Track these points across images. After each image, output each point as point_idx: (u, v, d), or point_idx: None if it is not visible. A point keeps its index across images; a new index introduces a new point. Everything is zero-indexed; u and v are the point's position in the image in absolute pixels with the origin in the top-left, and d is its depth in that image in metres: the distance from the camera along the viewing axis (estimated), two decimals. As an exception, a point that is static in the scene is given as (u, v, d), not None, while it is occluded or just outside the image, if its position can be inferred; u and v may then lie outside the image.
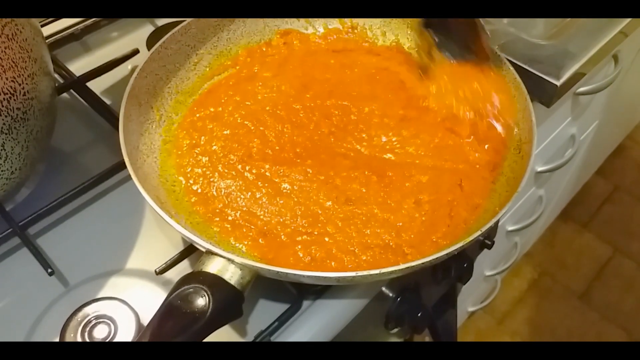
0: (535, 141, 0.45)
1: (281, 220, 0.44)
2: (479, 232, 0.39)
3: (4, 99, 0.40)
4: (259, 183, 0.46)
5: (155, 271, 0.44)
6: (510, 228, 0.97)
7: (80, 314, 0.42)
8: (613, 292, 1.41)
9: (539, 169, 0.86)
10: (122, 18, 0.68)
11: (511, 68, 0.50)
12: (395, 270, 0.36)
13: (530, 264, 1.46)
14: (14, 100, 0.41)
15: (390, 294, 0.50)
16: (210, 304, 0.34)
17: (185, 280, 0.35)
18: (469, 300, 1.16)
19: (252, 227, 0.43)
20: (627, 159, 1.67)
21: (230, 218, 0.44)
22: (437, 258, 0.37)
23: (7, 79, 0.40)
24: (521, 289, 1.43)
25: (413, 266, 0.37)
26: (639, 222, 1.53)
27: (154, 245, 0.48)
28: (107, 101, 0.58)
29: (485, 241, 0.60)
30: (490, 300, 1.22)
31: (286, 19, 0.58)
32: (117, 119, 0.45)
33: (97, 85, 0.59)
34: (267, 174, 0.46)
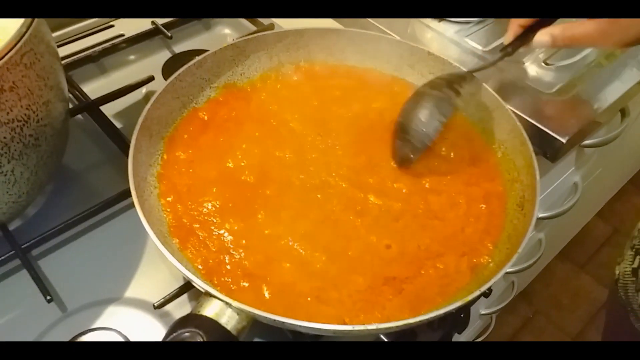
0: (538, 201, 0.45)
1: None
2: (477, 292, 0.39)
3: (17, 126, 0.41)
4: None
5: (154, 305, 0.44)
6: (508, 270, 0.97)
7: (76, 343, 0.42)
8: (607, 337, 1.40)
9: (540, 215, 0.86)
10: (141, 42, 0.69)
11: (518, 123, 0.51)
12: (392, 327, 0.37)
13: (525, 301, 1.46)
14: (27, 127, 0.42)
15: (387, 341, 0.50)
16: (206, 349, 0.34)
17: (182, 323, 0.36)
18: (463, 337, 1.15)
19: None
20: (628, 203, 1.67)
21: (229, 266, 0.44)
22: (435, 316, 0.38)
23: (21, 106, 0.41)
24: (515, 327, 1.42)
25: (410, 323, 0.37)
26: (637, 267, 1.53)
27: (154, 275, 0.49)
28: (119, 125, 0.59)
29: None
30: (484, 337, 1.21)
31: (302, 56, 0.59)
32: (127, 144, 0.46)
33: (110, 108, 0.60)
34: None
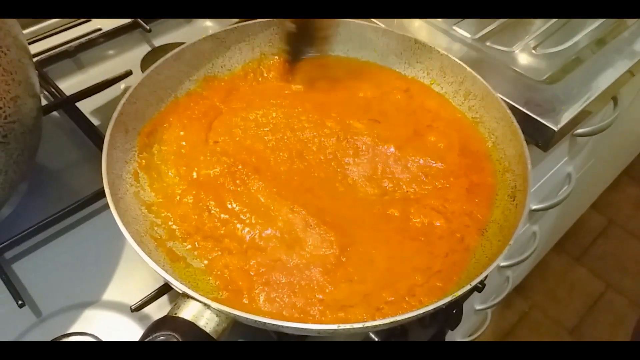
0: (530, 191, 0.43)
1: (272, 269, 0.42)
2: (468, 286, 0.37)
3: (-17, 122, 0.39)
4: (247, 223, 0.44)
5: (131, 308, 0.42)
6: (502, 264, 0.96)
7: (50, 350, 0.40)
8: (604, 328, 1.39)
9: (534, 207, 0.85)
10: (119, 36, 0.67)
11: (508, 111, 0.49)
12: (379, 325, 0.35)
13: (521, 296, 1.45)
14: (-6, 124, 0.40)
15: (376, 339, 0.48)
16: (182, 353, 0.32)
17: (157, 326, 0.34)
18: (458, 332, 1.14)
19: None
20: (622, 194, 1.66)
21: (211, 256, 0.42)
22: (423, 312, 0.36)
23: (-13, 102, 0.39)
24: (511, 322, 1.41)
25: (398, 320, 0.35)
26: (632, 258, 1.52)
27: (133, 276, 0.47)
28: (96, 122, 0.57)
29: (477, 284, 0.58)
30: (480, 333, 1.20)
31: (282, 51, 0.57)
32: (104, 142, 0.44)
33: (87, 105, 0.58)
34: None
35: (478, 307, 1.06)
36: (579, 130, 0.71)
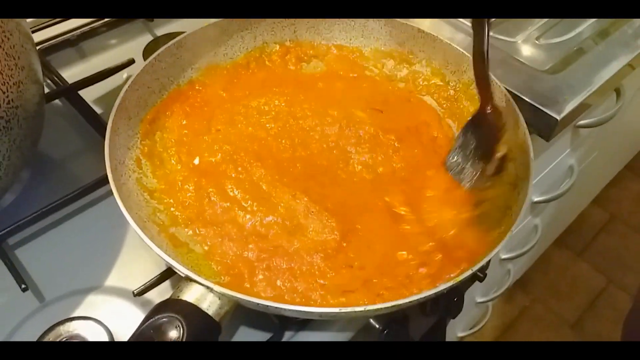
0: (532, 180, 0.43)
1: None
2: (469, 272, 0.38)
3: (-14, 107, 0.39)
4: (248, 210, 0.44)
5: (133, 293, 0.42)
6: (504, 256, 0.96)
7: (53, 334, 0.40)
8: (605, 324, 1.39)
9: (536, 199, 0.85)
10: (121, 25, 0.67)
11: (511, 99, 0.49)
12: (381, 308, 0.35)
13: (522, 290, 1.45)
14: (-3, 108, 0.40)
15: (377, 326, 0.48)
16: (184, 335, 0.32)
17: (160, 308, 0.34)
18: (459, 325, 1.14)
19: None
20: (625, 189, 1.66)
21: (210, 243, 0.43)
22: (424, 297, 0.36)
23: (-10, 86, 0.39)
24: (512, 316, 1.41)
25: (399, 304, 0.35)
26: (634, 254, 1.52)
27: (135, 262, 0.47)
28: (99, 110, 0.57)
29: (477, 273, 0.58)
30: (481, 326, 1.20)
31: (288, 35, 0.57)
32: (107, 129, 0.44)
33: (90, 93, 0.58)
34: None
35: (479, 299, 1.06)
36: (582, 122, 0.71)
